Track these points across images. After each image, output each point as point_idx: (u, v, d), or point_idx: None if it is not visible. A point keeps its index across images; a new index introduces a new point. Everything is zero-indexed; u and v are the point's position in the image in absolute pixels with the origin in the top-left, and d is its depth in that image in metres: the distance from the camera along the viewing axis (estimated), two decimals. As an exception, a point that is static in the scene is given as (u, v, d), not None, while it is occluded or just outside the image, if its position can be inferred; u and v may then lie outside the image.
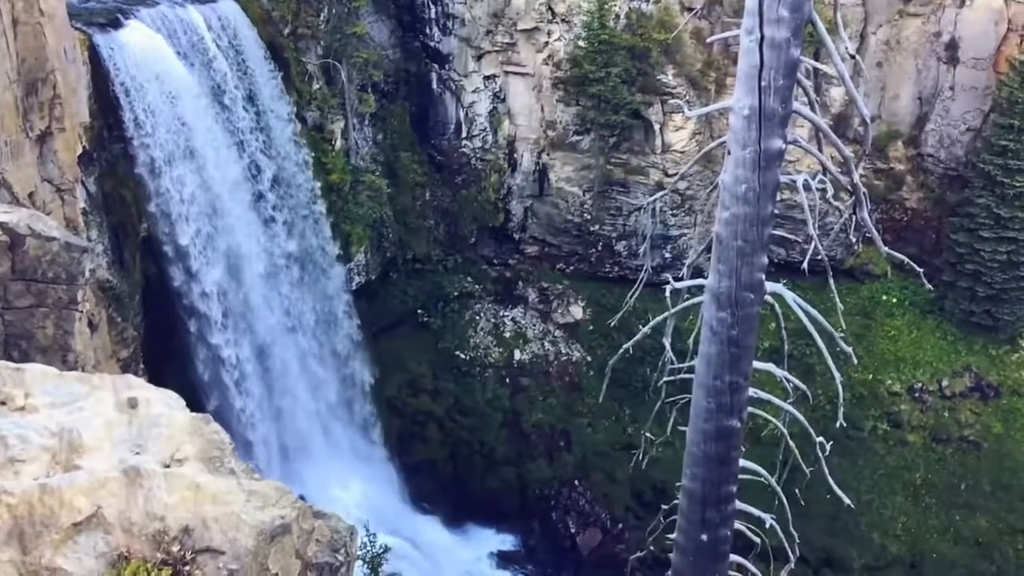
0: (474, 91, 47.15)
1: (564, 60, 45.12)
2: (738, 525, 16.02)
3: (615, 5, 43.51)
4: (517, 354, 47.52)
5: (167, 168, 31.78)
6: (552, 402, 46.72)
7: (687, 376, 15.12)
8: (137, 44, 30.08)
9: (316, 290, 41.07)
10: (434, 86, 47.36)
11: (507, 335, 47.98)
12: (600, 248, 48.85)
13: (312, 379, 40.97)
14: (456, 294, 48.54)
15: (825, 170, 13.87)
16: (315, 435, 40.91)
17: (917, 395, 45.55)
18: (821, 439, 15.45)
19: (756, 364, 14.60)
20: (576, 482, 44.72)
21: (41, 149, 25.45)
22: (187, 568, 8.33)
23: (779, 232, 15.81)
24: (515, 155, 48.29)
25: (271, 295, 38.20)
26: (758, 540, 16.58)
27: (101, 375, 10.43)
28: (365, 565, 27.48)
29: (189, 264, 33.34)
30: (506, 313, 48.72)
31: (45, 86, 25.03)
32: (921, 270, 15.55)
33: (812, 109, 13.05)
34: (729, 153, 12.72)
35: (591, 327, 48.11)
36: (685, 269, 16.03)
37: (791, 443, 15.70)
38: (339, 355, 42.83)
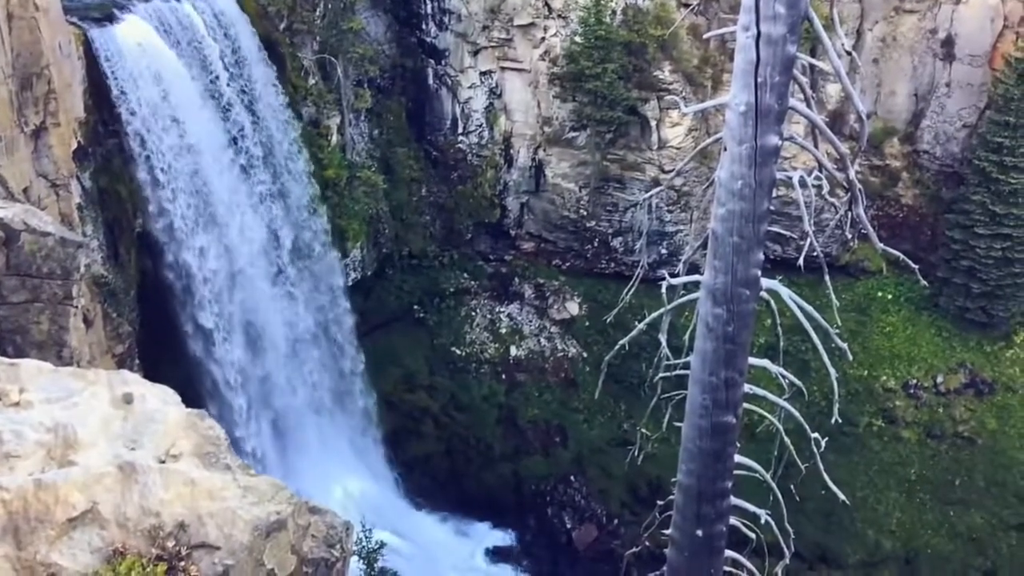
0: (470, 87, 47.07)
1: (560, 56, 45.05)
2: (733, 521, 16.05)
3: (611, 1, 43.44)
4: (513, 350, 47.50)
5: (189, 239, 31.05)
6: (548, 398, 46.72)
7: (683, 372, 15.14)
8: (135, 48, 29.43)
9: (333, 368, 40.82)
10: (430, 82, 47.28)
11: (503, 331, 47.96)
12: (596, 244, 48.83)
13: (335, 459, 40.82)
14: (452, 290, 48.49)
15: (821, 166, 13.88)
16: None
17: (912, 391, 45.63)
18: (816, 435, 15.49)
19: (752, 360, 14.63)
20: (572, 478, 44.73)
21: (36, 144, 25.36)
22: (182, 563, 8.33)
23: (775, 228, 15.84)
24: (511, 151, 48.23)
25: (294, 375, 37.67)
26: (753, 536, 16.62)
27: (96, 371, 10.41)
28: (360, 561, 27.55)
29: (212, 348, 32.69)
30: (502, 309, 48.68)
31: (40, 81, 24.93)
32: (916, 266, 15.63)
33: (808, 105, 13.05)
34: (725, 149, 12.72)
35: (587, 323, 48.10)
36: (681, 265, 16.03)
37: (786, 439, 15.73)
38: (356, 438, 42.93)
